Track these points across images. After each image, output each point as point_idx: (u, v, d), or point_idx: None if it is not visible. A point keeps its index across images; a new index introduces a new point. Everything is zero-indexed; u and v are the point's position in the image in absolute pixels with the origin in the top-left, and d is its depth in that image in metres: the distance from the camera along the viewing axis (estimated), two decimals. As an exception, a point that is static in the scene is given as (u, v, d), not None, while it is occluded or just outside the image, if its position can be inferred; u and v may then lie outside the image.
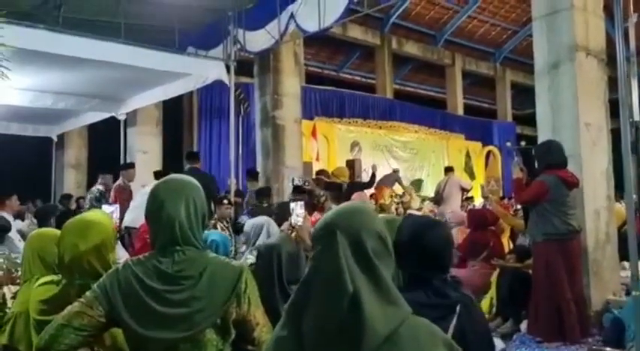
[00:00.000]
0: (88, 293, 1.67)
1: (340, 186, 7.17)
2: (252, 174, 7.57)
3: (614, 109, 4.04)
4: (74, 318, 1.62)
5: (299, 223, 2.70)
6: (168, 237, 1.66)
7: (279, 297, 2.33)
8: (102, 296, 1.63)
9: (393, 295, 1.14)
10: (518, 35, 16.54)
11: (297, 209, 2.73)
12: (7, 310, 2.68)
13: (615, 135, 4.14)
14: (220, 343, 1.65)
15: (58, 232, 2.48)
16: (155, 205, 1.71)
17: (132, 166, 7.52)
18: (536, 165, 4.42)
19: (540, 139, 4.75)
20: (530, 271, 4.54)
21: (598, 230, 4.57)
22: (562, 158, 4.24)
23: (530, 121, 18.92)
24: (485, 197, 9.89)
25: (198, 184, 1.79)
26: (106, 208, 2.38)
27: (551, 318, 4.13)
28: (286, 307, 1.21)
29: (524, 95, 19.55)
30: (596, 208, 4.59)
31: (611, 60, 4.23)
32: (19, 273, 2.79)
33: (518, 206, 6.33)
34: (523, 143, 17.88)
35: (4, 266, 2.86)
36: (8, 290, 2.80)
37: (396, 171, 11.44)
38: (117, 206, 2.45)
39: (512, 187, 4.74)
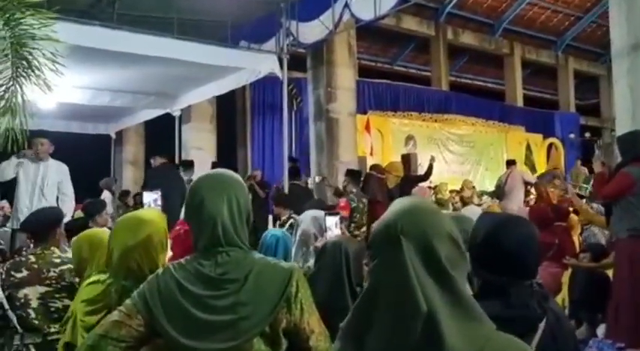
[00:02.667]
0: (127, 301, 1.54)
1: (359, 172, 7.08)
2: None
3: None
4: (112, 328, 1.49)
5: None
6: (209, 237, 1.51)
7: (350, 300, 2.14)
8: (141, 304, 1.49)
9: (474, 310, 0.94)
10: (581, 22, 15.73)
11: (332, 224, 2.50)
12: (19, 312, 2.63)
13: None
14: None
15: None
16: (195, 203, 1.56)
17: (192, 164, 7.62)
18: (619, 157, 4.06)
19: (618, 127, 4.38)
20: (607, 271, 4.20)
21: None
22: None
23: (595, 111, 18.31)
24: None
25: (241, 180, 1.63)
26: (147, 195, 2.25)
27: (635, 321, 3.78)
28: (342, 326, 1.03)
29: (588, 84, 18.66)
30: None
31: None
32: (51, 273, 2.73)
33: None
34: (587, 135, 17.05)
35: (35, 266, 2.76)
36: (34, 291, 2.69)
37: (556, 168, 10.75)
38: (159, 193, 2.32)
39: (594, 181, 4.39)
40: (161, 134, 10.34)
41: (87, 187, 8.64)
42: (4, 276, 2.74)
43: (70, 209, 5.65)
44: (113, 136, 10.51)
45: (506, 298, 1.43)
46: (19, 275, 2.73)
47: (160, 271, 1.57)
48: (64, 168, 5.82)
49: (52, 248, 2.86)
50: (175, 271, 1.51)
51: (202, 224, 1.53)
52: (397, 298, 0.93)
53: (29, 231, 3.15)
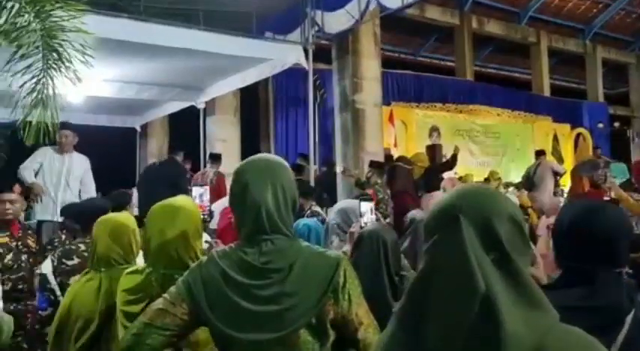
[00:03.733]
0: (172, 289, 1.51)
1: (383, 163, 7.03)
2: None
3: None
4: (157, 316, 1.46)
5: (369, 224, 2.43)
6: (253, 224, 1.47)
7: (390, 292, 2.10)
8: (185, 292, 1.47)
9: (537, 296, 0.89)
10: (610, 9, 15.34)
11: (366, 209, 2.45)
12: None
13: None
14: (317, 347, 1.43)
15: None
16: (238, 189, 1.52)
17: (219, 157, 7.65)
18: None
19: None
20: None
21: None
22: None
23: (624, 100, 17.91)
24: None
25: (287, 165, 1.58)
26: (196, 189, 2.27)
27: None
28: (397, 311, 0.98)
29: (617, 73, 18.24)
30: None
31: None
32: None
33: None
34: (616, 124, 16.69)
35: (86, 254, 2.79)
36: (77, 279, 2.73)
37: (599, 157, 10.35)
38: (207, 187, 2.33)
39: (633, 170, 4.25)
40: (185, 127, 10.39)
41: (113, 180, 8.73)
42: (55, 263, 2.78)
43: None
44: (139, 129, 10.60)
45: (590, 287, 1.34)
46: (70, 263, 2.79)
47: (203, 259, 1.54)
48: (86, 161, 5.86)
49: None
50: (219, 260, 1.47)
51: (246, 211, 1.49)
52: (454, 279, 0.89)
53: (77, 220, 3.18)
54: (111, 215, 2.44)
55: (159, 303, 1.49)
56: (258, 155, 1.63)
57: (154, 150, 12.49)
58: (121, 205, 4.55)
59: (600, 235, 1.38)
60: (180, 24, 5.83)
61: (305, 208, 5.26)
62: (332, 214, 3.09)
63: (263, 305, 1.40)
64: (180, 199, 2.06)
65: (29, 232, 4.07)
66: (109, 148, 10.08)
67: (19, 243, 3.69)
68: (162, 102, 8.94)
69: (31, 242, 3.78)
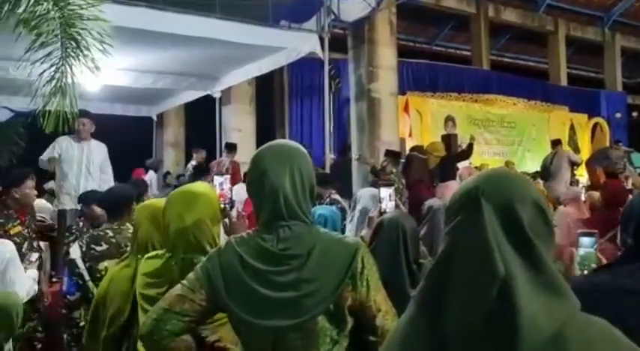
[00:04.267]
0: (190, 275, 1.52)
1: (399, 153, 7.00)
2: None
3: None
4: (176, 302, 1.48)
5: (388, 209, 2.42)
6: (271, 210, 1.47)
7: (408, 280, 2.10)
8: (204, 278, 1.48)
9: (559, 283, 0.86)
10: (630, -4, 15.08)
11: (386, 195, 2.44)
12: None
13: None
14: (335, 333, 1.43)
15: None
16: (256, 175, 1.51)
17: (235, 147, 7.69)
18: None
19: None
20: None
21: None
22: None
23: (643, 89, 17.59)
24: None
25: (305, 151, 1.58)
26: (217, 178, 2.27)
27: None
28: (416, 295, 0.96)
29: (636, 62, 17.93)
30: None
31: None
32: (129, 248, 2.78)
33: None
34: (635, 114, 16.44)
35: (114, 240, 2.84)
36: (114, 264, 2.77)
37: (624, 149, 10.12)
38: (227, 176, 2.34)
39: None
40: (201, 116, 10.43)
41: (129, 168, 8.81)
42: (84, 249, 2.84)
43: None
44: (155, 118, 10.65)
45: None
46: (99, 248, 2.84)
47: (222, 245, 1.55)
48: (104, 148, 5.90)
49: (127, 224, 2.95)
50: (237, 246, 1.48)
51: (264, 197, 1.49)
52: (473, 262, 0.87)
53: (105, 207, 3.22)
54: (152, 201, 2.44)
55: (178, 289, 1.51)
56: (275, 141, 1.63)
57: (170, 139, 12.57)
58: (141, 193, 4.61)
59: None
60: (196, 12, 5.84)
61: (324, 196, 5.26)
62: (364, 200, 3.10)
63: (281, 292, 1.40)
64: (198, 185, 2.07)
65: (38, 217, 4.16)
66: (125, 137, 10.14)
67: (28, 229, 3.77)
68: (177, 91, 8.96)
69: (34, 225, 3.86)
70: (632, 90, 17.50)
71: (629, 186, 5.16)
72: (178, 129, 12.67)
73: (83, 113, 5.46)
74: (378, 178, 6.73)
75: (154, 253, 2.06)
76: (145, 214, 2.26)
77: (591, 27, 15.99)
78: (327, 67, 6.84)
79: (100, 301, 2.28)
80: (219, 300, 1.46)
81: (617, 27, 16.18)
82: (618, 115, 15.56)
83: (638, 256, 1.39)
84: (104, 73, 5.39)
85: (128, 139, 10.35)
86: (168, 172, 10.76)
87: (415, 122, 11.93)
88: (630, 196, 5.62)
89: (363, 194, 3.02)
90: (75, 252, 2.80)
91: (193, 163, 7.92)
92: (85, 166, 5.68)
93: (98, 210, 3.69)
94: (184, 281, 1.52)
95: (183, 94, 9.21)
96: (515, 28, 15.41)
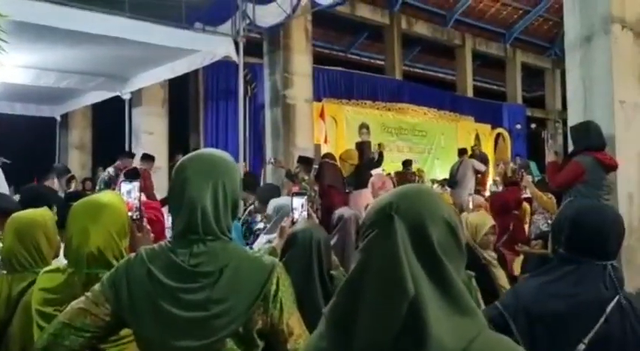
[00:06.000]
0: (95, 287, 1.43)
1: (311, 159, 7.07)
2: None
3: None
4: (77, 316, 1.38)
5: (300, 219, 2.41)
6: (187, 223, 1.40)
7: (321, 293, 2.08)
8: (109, 292, 1.39)
9: (466, 302, 0.88)
10: (529, 15, 16.16)
11: (298, 205, 2.42)
12: None
13: None
14: None
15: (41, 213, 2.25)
16: (177, 184, 1.44)
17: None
18: (570, 147, 4.17)
19: (570, 117, 4.50)
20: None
21: (631, 215, 4.34)
22: (600, 140, 4.01)
23: (540, 103, 18.91)
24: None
25: (236, 165, 1.51)
26: (125, 185, 2.10)
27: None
28: (326, 312, 0.95)
29: (534, 77, 19.25)
30: (630, 191, 4.35)
31: None
32: None
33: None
34: (533, 126, 17.62)
35: None
36: None
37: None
38: (137, 183, 2.15)
39: (547, 170, 4.49)
40: (109, 118, 9.99)
41: (29, 172, 8.26)
42: None
43: None
44: (58, 118, 10.10)
45: (574, 277, 1.45)
46: None
47: (131, 256, 1.46)
48: None
49: None
50: (147, 258, 1.40)
51: (181, 207, 1.42)
52: (384, 281, 0.87)
53: None
54: (20, 214, 2.22)
55: (80, 302, 1.41)
56: (203, 150, 1.55)
57: (76, 141, 11.97)
58: (37, 200, 4.29)
59: (593, 230, 1.50)
60: (103, 10, 5.57)
61: (247, 202, 5.13)
62: (270, 210, 3.06)
63: (190, 311, 1.33)
64: (105, 195, 1.94)
65: None
66: (25, 139, 9.54)
67: None
68: (84, 91, 8.54)
69: None
70: (531, 103, 18.75)
71: (526, 194, 5.50)
72: (85, 131, 12.09)
73: None
74: (293, 182, 6.73)
75: (54, 266, 1.92)
76: (12, 227, 2.11)
77: (495, 42, 16.98)
78: (241, 72, 6.76)
79: None
80: (125, 316, 1.38)
81: (517, 43, 17.29)
82: (518, 126, 16.59)
83: (570, 262, 1.49)
84: (1, 71, 5.04)
85: (28, 140, 9.73)
86: (72, 177, 10.19)
87: (331, 129, 12.08)
88: (525, 204, 6.02)
89: (270, 204, 3.01)
90: None
91: (111, 170, 7.48)
92: None
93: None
94: (88, 293, 1.43)
95: (91, 95, 8.79)
96: (426, 41, 16.07)
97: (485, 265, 3.12)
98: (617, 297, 1.41)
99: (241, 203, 5.06)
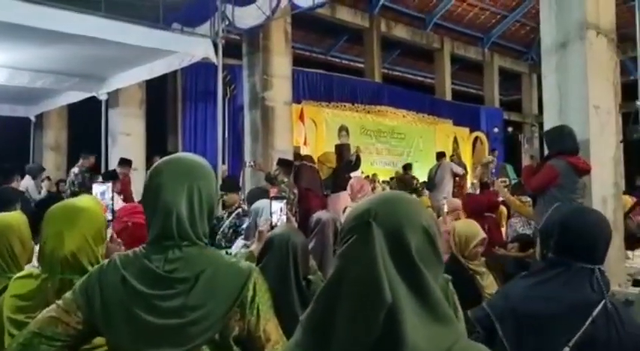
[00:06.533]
0: (67, 294, 1.39)
1: (291, 162, 7.06)
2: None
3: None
4: (48, 325, 1.34)
5: (279, 223, 2.40)
6: (161, 228, 1.37)
7: (297, 299, 2.06)
8: (81, 299, 1.35)
9: (443, 310, 0.88)
10: (506, 20, 16.39)
11: (277, 208, 2.41)
12: None
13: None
14: None
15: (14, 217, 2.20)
16: (151, 189, 1.41)
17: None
18: (545, 150, 4.22)
19: (546, 122, 4.56)
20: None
21: (605, 218, 4.40)
22: (574, 144, 4.05)
23: (517, 107, 19.18)
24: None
25: (211, 170, 1.48)
26: (97, 186, 2.04)
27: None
28: (303, 319, 0.94)
29: (512, 81, 19.51)
30: (604, 195, 4.42)
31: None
32: None
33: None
34: (510, 129, 17.84)
35: None
36: None
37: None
38: (109, 185, 2.11)
39: (522, 174, 4.54)
40: (86, 118, 9.85)
41: (3, 173, 8.09)
42: None
43: None
44: (33, 119, 9.91)
45: (562, 279, 1.46)
46: None
47: (105, 263, 1.42)
48: None
49: None
50: (121, 265, 1.36)
51: (156, 212, 1.39)
52: (362, 288, 0.86)
53: None
54: None
55: (51, 310, 1.37)
56: (178, 154, 1.52)
57: (51, 141, 11.80)
58: (10, 203, 4.19)
59: (581, 234, 1.51)
60: (78, 9, 5.47)
61: (234, 204, 5.07)
62: (252, 215, 3.03)
63: (165, 318, 1.30)
64: (83, 200, 1.90)
65: None
66: (-1, 138, 9.36)
67: None
68: (59, 91, 8.38)
69: None
70: (508, 107, 18.99)
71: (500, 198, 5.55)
72: (60, 131, 11.91)
73: None
74: (273, 185, 6.70)
75: (27, 272, 1.87)
76: None
77: (473, 47, 17.18)
78: (220, 74, 6.71)
79: None
80: (97, 324, 1.34)
81: (495, 48, 17.51)
82: (496, 129, 16.79)
83: (559, 265, 1.51)
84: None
85: (3, 141, 9.55)
86: (47, 178, 10.02)
87: (310, 131, 12.08)
88: (502, 207, 6.08)
89: (253, 209, 2.99)
90: None
91: (76, 170, 7.42)
92: None
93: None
94: (59, 301, 1.39)
95: (66, 95, 8.63)
96: (405, 44, 16.18)
97: (471, 276, 3.05)
98: (603, 301, 1.43)
99: (219, 206, 5.03)
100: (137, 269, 1.35)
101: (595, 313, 1.40)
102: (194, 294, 1.31)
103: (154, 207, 1.40)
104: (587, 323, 1.38)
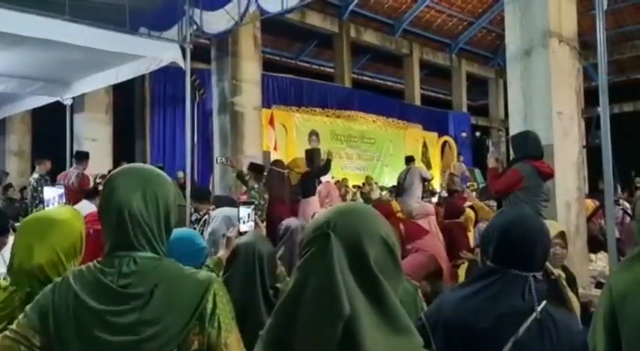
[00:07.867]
0: (20, 319, 1.32)
1: (262, 167, 7.00)
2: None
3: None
4: None
5: (247, 229, 2.37)
6: (115, 237, 1.33)
7: (264, 308, 2.04)
8: (37, 322, 1.29)
9: (402, 321, 0.88)
10: (473, 26, 16.69)
11: (245, 215, 2.38)
12: None
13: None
14: None
15: None
16: (105, 195, 1.36)
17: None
18: (511, 155, 4.30)
19: (511, 127, 4.64)
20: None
21: (569, 222, 4.51)
22: (538, 149, 4.14)
23: (484, 111, 19.52)
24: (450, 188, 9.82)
25: (169, 179, 1.43)
26: (48, 190, 1.98)
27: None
28: (263, 333, 0.93)
29: (479, 86, 19.85)
30: (567, 199, 4.53)
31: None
32: None
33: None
34: (478, 134, 18.12)
35: None
36: None
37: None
38: (62, 190, 2.04)
39: (487, 176, 4.61)
40: (50, 124, 9.62)
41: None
42: None
43: None
44: (-6, 124, 9.65)
45: (493, 289, 1.43)
46: None
47: (57, 281, 1.36)
48: None
49: None
50: (73, 280, 1.31)
51: (110, 218, 1.34)
52: (321, 300, 0.86)
53: None
54: None
55: (6, 338, 1.31)
56: (135, 164, 1.49)
57: (14, 147, 11.52)
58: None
59: (517, 241, 1.48)
60: (39, 12, 5.34)
61: (201, 211, 5.01)
62: (217, 222, 2.99)
63: (119, 335, 1.25)
64: (59, 211, 1.83)
65: None
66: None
67: None
68: (22, 96, 8.15)
69: None
70: (476, 111, 19.31)
71: (469, 202, 5.63)
72: (23, 137, 11.64)
73: None
74: (245, 184, 6.62)
75: None
76: None
77: (441, 52, 17.42)
78: (188, 79, 6.62)
79: None
80: (54, 345, 1.29)
81: (462, 54, 17.80)
82: (464, 134, 17.05)
83: (495, 273, 1.49)
84: None
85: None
86: (10, 185, 9.76)
87: (280, 136, 12.06)
88: (469, 212, 6.16)
89: (217, 215, 2.95)
90: None
91: (35, 175, 7.24)
92: None
93: None
94: (14, 326, 1.32)
95: (29, 100, 8.40)
96: (375, 49, 16.31)
97: (555, 281, 2.62)
98: (534, 311, 1.41)
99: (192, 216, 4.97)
100: (90, 285, 1.30)
101: (526, 324, 1.38)
102: (149, 309, 1.27)
103: (108, 213, 1.35)
104: (519, 334, 1.36)
